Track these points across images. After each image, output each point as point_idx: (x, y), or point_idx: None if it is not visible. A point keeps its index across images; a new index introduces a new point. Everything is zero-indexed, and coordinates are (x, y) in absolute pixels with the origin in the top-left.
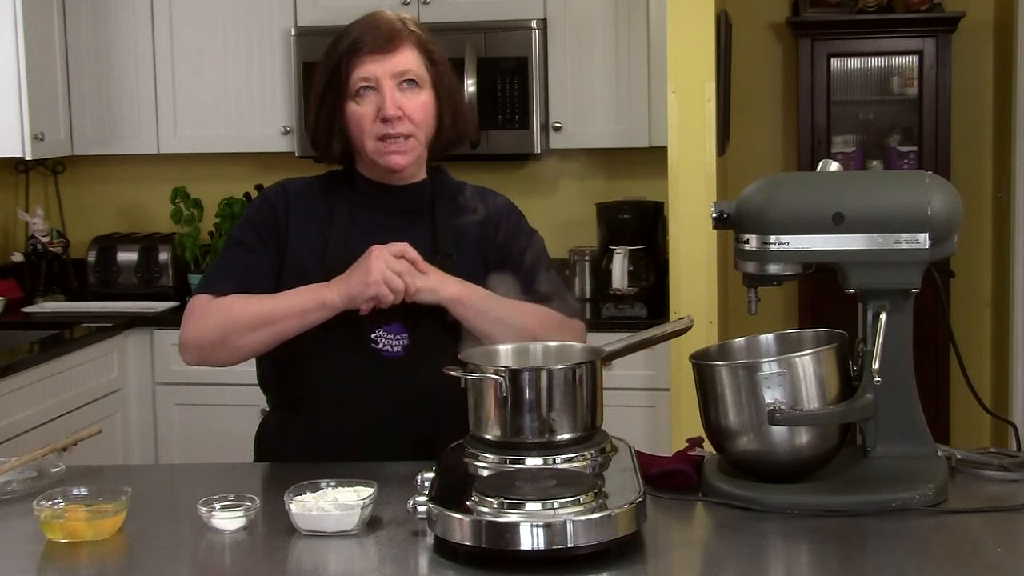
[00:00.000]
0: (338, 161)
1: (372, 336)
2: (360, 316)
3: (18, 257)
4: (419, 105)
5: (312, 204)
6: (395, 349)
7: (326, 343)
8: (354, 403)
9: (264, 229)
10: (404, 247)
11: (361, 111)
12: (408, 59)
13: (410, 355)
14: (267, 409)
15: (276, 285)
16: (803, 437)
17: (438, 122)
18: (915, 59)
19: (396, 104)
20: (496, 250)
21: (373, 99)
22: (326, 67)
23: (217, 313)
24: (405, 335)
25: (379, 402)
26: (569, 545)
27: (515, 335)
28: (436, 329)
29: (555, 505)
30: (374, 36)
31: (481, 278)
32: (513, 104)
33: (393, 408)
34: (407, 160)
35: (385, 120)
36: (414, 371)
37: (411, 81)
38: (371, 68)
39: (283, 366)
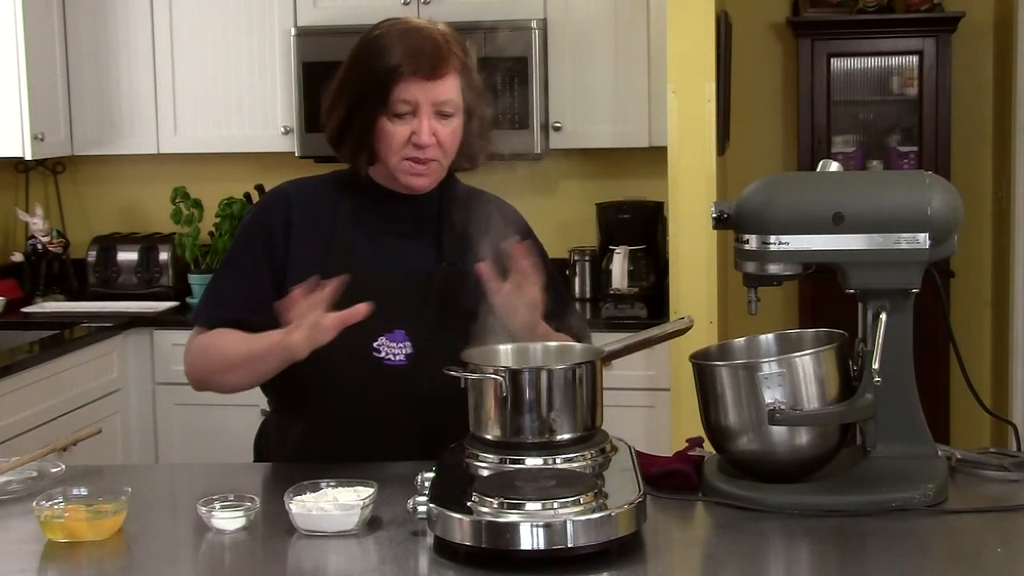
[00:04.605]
0: (346, 161)
1: (375, 344)
2: (362, 325)
3: (18, 257)
4: (451, 132)
5: (316, 208)
6: (397, 358)
7: (328, 351)
8: (356, 411)
9: (260, 244)
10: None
11: (395, 130)
12: (450, 88)
13: (413, 363)
14: (267, 410)
15: (277, 298)
16: (803, 437)
17: (462, 145)
18: (915, 59)
19: (431, 132)
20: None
21: (409, 122)
22: (366, 80)
23: (202, 351)
24: (408, 343)
25: (381, 411)
26: (569, 545)
27: None
28: (439, 337)
29: (555, 505)
30: (419, 60)
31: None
32: (513, 104)
33: (395, 417)
34: (428, 183)
35: (417, 146)
36: (417, 380)
37: (448, 111)
38: (414, 92)
39: (285, 373)
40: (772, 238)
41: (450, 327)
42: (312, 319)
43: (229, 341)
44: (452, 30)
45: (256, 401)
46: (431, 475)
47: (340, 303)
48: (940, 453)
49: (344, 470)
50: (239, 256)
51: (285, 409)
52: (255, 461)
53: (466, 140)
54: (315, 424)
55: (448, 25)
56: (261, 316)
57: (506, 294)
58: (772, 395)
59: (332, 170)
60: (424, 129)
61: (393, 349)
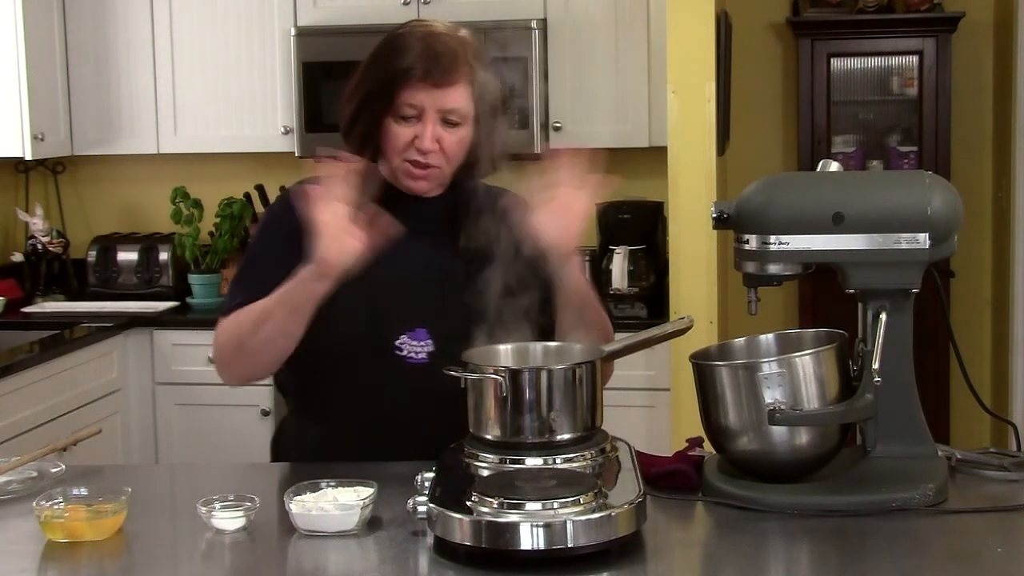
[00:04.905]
0: (352, 153)
1: (396, 343)
2: (384, 324)
3: (18, 257)
4: (456, 141)
5: None
6: (419, 356)
7: (349, 350)
8: (377, 410)
9: (284, 238)
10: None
11: (399, 131)
12: (458, 97)
13: (434, 362)
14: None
15: None
16: (803, 437)
17: (469, 152)
18: (915, 59)
19: (434, 139)
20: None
21: (414, 126)
22: (378, 78)
23: (230, 326)
24: (429, 342)
25: (403, 409)
26: (569, 545)
27: (581, 329)
28: (460, 335)
29: (555, 505)
30: (430, 66)
31: (510, 280)
32: (513, 104)
33: (417, 415)
34: (428, 186)
35: (419, 150)
36: (438, 378)
37: (455, 120)
38: (421, 97)
39: (305, 372)
40: (772, 238)
41: (471, 325)
42: (338, 224)
43: (257, 302)
44: (474, 40)
45: (256, 401)
46: (431, 475)
47: (359, 305)
48: (940, 453)
49: (344, 470)
50: (263, 251)
51: (303, 409)
52: (272, 461)
53: (474, 150)
54: (335, 423)
55: (472, 34)
56: None
57: (546, 217)
58: (772, 395)
59: None
60: (427, 135)
61: (415, 347)
